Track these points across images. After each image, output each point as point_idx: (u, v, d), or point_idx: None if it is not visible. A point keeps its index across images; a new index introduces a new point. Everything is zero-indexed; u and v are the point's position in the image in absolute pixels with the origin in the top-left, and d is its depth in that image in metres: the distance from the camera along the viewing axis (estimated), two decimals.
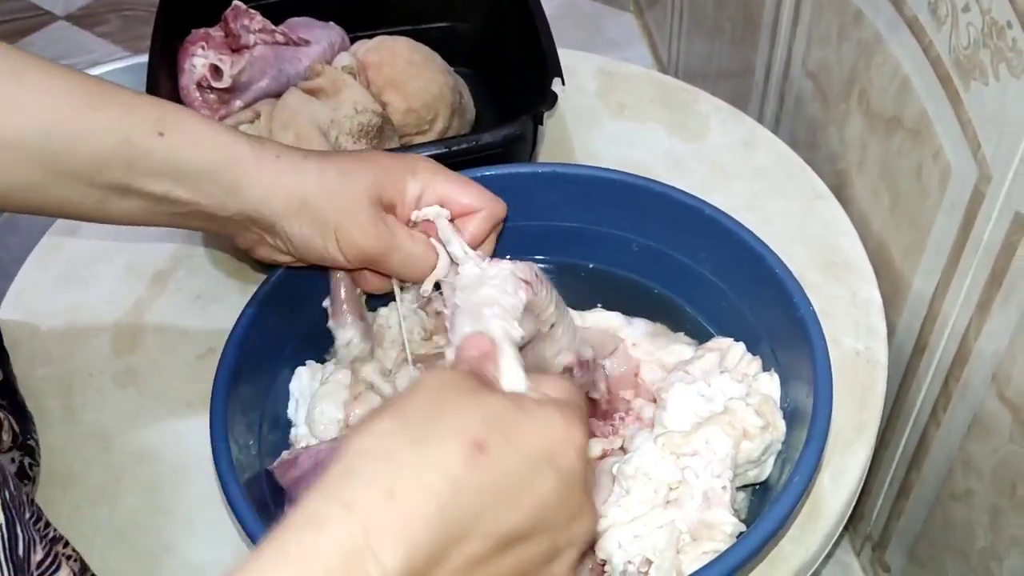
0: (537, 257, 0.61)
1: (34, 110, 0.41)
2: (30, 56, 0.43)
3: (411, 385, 0.35)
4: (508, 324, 0.42)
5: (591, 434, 0.51)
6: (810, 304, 0.50)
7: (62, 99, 0.42)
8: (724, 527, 0.44)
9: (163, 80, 0.67)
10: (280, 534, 0.30)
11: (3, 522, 0.38)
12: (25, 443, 0.53)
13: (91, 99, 0.42)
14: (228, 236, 0.50)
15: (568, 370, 0.50)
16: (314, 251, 0.48)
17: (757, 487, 0.51)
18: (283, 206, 0.46)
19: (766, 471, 0.49)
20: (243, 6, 0.70)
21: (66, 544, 0.44)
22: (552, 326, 0.48)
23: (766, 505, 0.46)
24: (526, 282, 0.45)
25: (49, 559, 0.41)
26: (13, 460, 0.51)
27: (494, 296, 0.43)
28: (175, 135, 0.43)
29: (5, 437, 0.51)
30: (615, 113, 0.77)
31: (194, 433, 0.54)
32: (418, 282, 0.51)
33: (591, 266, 0.61)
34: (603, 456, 0.51)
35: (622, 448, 0.52)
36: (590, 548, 0.39)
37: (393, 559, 0.29)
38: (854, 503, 0.55)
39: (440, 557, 0.31)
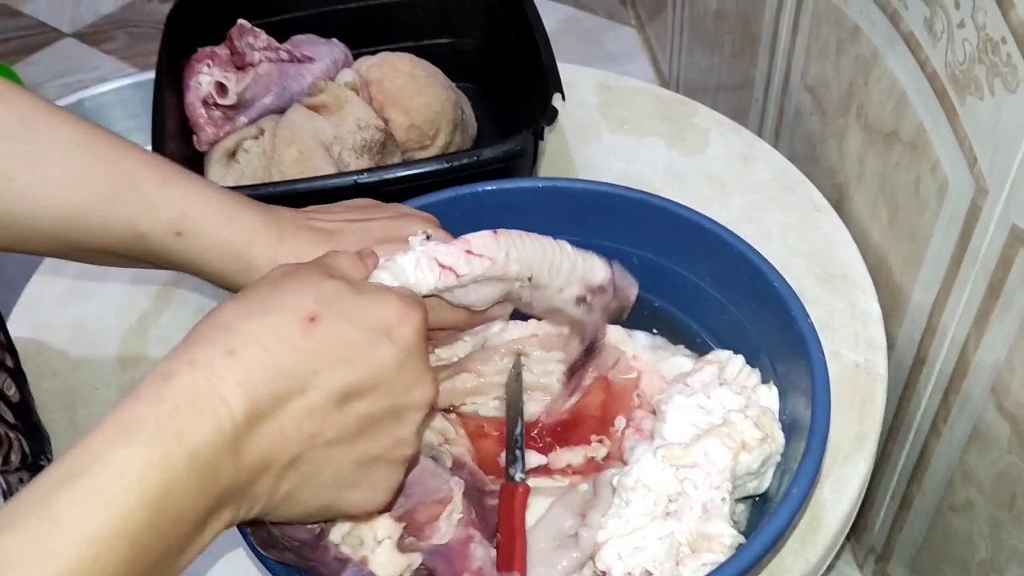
0: None
1: (53, 205, 0.43)
2: (54, 128, 0.44)
3: (262, 277, 0.40)
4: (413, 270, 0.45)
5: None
6: (808, 317, 0.50)
7: (80, 192, 0.44)
8: (723, 539, 0.45)
9: (169, 97, 0.68)
10: (136, 388, 0.34)
11: None
12: (36, 463, 0.54)
13: (111, 192, 0.44)
14: None
15: (581, 300, 0.52)
16: None
17: (756, 499, 0.51)
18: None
19: (765, 483, 0.49)
20: (248, 24, 0.71)
21: None
22: (530, 279, 0.50)
23: (765, 517, 0.47)
24: (445, 267, 0.46)
25: None
26: (22, 480, 0.52)
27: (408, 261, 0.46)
28: (192, 238, 0.46)
29: (14, 457, 0.51)
30: (615, 127, 0.77)
31: None
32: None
33: None
34: (596, 468, 0.51)
35: (622, 460, 0.52)
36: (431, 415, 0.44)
37: (237, 401, 0.34)
38: (855, 515, 0.55)
39: (280, 404, 0.35)
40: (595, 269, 0.53)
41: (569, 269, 0.51)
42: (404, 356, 0.39)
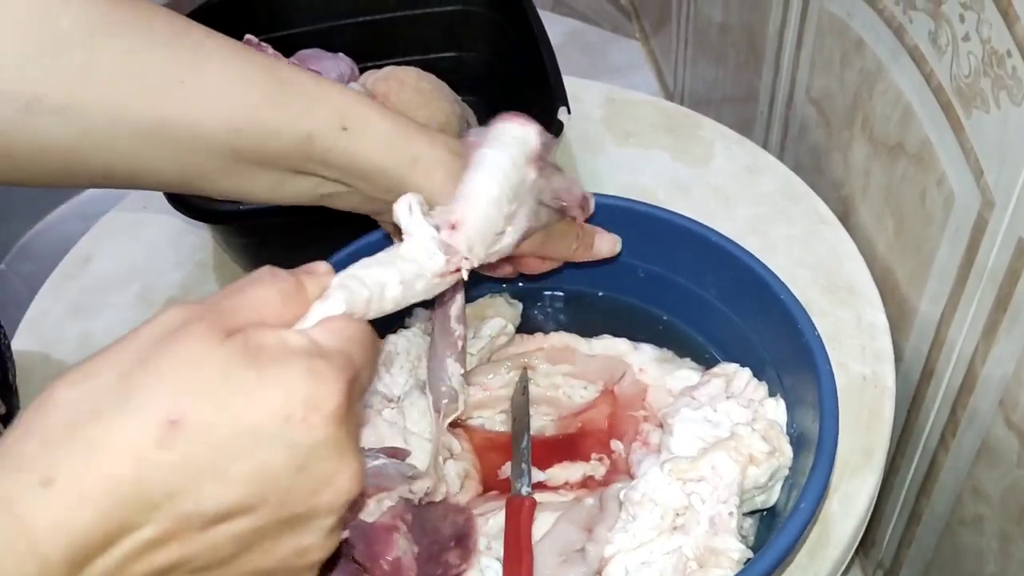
0: (544, 284, 0.61)
1: (220, 107, 0.41)
2: (211, 39, 0.42)
3: (130, 332, 0.31)
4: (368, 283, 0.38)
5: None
6: (815, 329, 0.50)
7: (245, 95, 0.41)
8: (731, 553, 0.44)
9: None
10: None
11: None
12: None
13: (273, 93, 0.42)
14: (377, 214, 0.50)
15: (561, 211, 0.51)
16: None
17: (764, 513, 0.51)
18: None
19: (773, 497, 0.49)
20: (255, 39, 0.71)
21: None
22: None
23: (773, 531, 0.46)
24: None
25: None
26: None
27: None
28: (357, 132, 0.44)
29: None
30: (620, 140, 0.78)
31: None
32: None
33: (599, 294, 0.61)
34: (595, 485, 0.51)
35: (628, 474, 0.52)
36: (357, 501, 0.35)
37: (54, 550, 0.26)
38: (864, 529, 0.55)
39: (116, 541, 0.27)
40: (560, 184, 0.50)
41: (528, 209, 0.48)
42: (306, 455, 0.29)
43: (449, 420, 0.51)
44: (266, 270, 0.33)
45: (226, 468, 0.28)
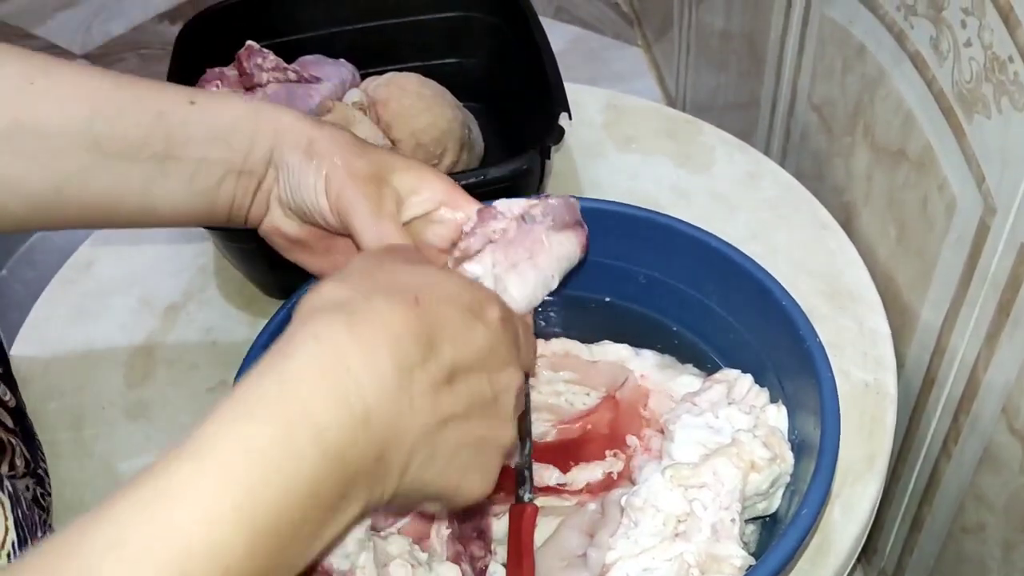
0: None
1: (72, 98, 0.42)
2: (50, 56, 0.44)
3: (346, 267, 0.39)
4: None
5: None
6: (817, 336, 0.50)
7: (95, 85, 0.43)
8: (733, 560, 0.44)
9: None
10: (257, 366, 0.32)
11: (15, 539, 0.38)
12: (36, 471, 0.54)
13: (121, 83, 0.44)
14: (249, 218, 0.50)
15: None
16: (306, 192, 0.48)
17: (766, 520, 0.50)
18: (294, 141, 0.47)
19: (775, 504, 0.49)
20: (256, 45, 0.72)
21: None
22: None
23: (775, 538, 0.46)
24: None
25: None
26: (28, 488, 0.52)
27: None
28: (205, 103, 0.46)
29: (19, 463, 0.52)
30: (621, 146, 0.78)
31: None
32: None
33: (600, 300, 0.61)
34: (611, 484, 0.51)
35: (630, 480, 0.52)
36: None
37: (364, 374, 0.33)
38: (866, 537, 0.54)
39: (402, 377, 0.34)
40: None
41: None
42: (494, 338, 0.39)
43: None
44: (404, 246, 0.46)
45: (454, 336, 0.37)
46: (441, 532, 0.48)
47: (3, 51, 0.43)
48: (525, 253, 0.47)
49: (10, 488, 0.42)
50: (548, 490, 0.52)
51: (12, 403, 0.56)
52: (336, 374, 0.32)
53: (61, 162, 0.42)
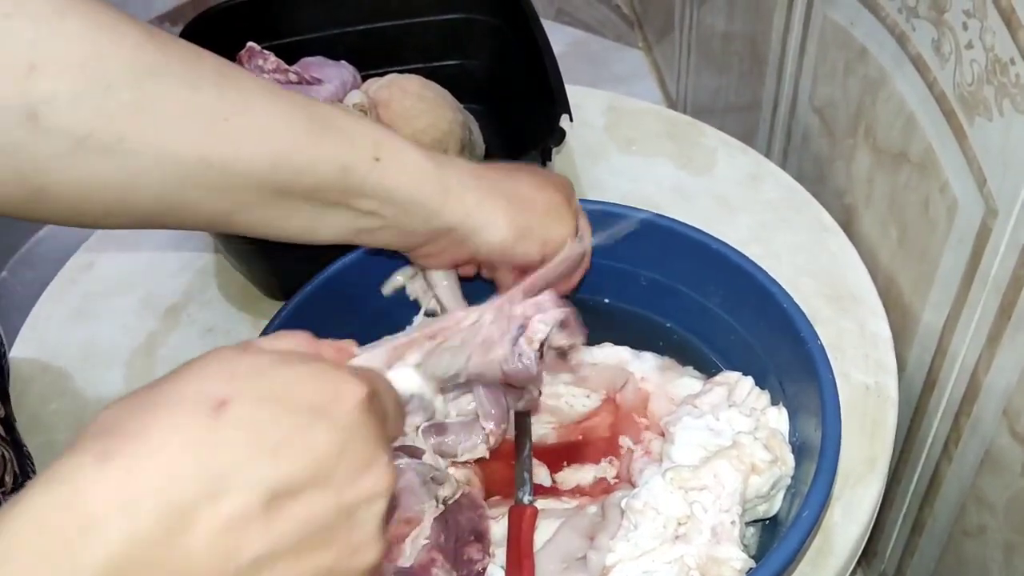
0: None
1: (261, 143, 0.42)
2: (251, 80, 0.43)
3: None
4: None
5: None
6: (818, 338, 0.50)
7: (287, 129, 0.43)
8: (733, 563, 0.44)
9: None
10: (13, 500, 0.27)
11: None
12: (24, 485, 0.54)
13: (312, 130, 0.44)
14: (411, 248, 0.50)
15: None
16: (507, 254, 0.50)
17: (767, 522, 0.50)
18: (485, 220, 0.48)
19: (775, 506, 0.49)
20: (257, 47, 0.72)
21: None
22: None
23: (775, 540, 0.46)
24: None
25: None
26: None
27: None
28: (389, 162, 0.45)
29: (8, 479, 0.51)
30: (623, 148, 0.78)
31: None
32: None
33: (601, 302, 0.61)
34: (606, 488, 0.51)
35: (630, 482, 0.52)
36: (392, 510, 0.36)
37: (114, 522, 0.26)
38: (866, 539, 0.54)
39: (179, 519, 0.27)
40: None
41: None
42: (345, 438, 0.31)
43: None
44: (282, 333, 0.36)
45: (277, 445, 0.29)
46: (417, 540, 0.47)
47: (198, 61, 0.41)
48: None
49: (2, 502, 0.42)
50: (547, 492, 0.52)
51: (1, 413, 0.55)
52: (74, 529, 0.26)
53: (239, 198, 0.43)
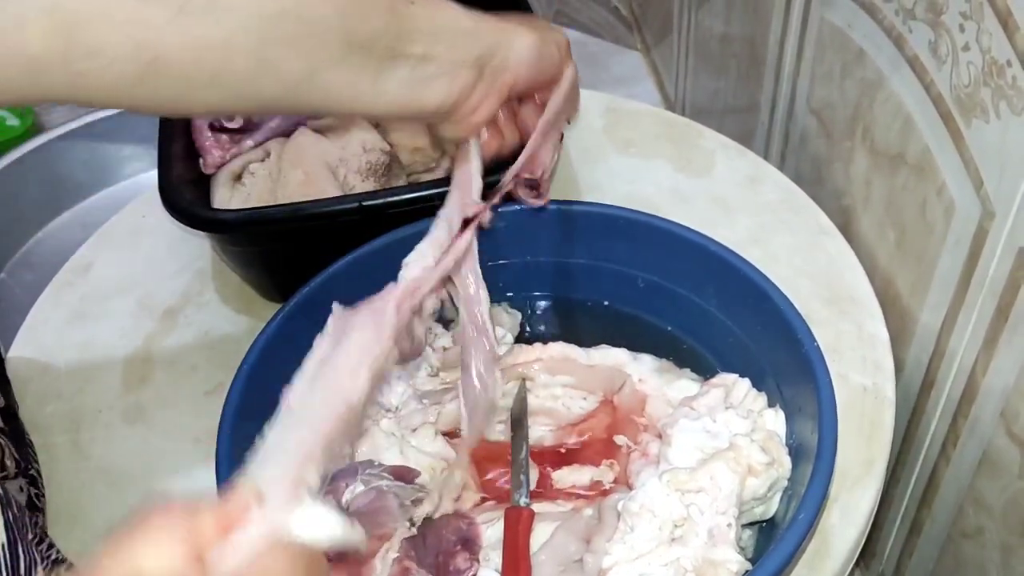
0: (543, 293, 0.61)
1: None
2: None
3: None
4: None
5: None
6: (815, 340, 0.50)
7: None
8: (730, 565, 0.44)
9: (176, 120, 0.68)
10: None
11: (5, 542, 0.38)
12: (28, 472, 0.54)
13: None
14: (464, 98, 0.50)
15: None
16: (537, 65, 0.51)
17: (763, 524, 0.50)
18: (513, 33, 0.50)
19: (772, 508, 0.49)
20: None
21: (70, 566, 0.44)
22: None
23: (772, 542, 0.46)
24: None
25: None
26: (21, 489, 0.52)
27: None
28: (423, 3, 0.47)
29: (9, 463, 0.52)
30: (621, 149, 0.78)
31: (202, 468, 0.54)
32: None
33: (600, 303, 0.61)
34: (602, 492, 0.51)
35: (627, 484, 0.51)
36: None
37: None
38: (864, 541, 0.54)
39: None
40: None
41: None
42: None
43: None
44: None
45: None
46: (387, 556, 0.47)
47: None
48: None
49: (1, 491, 0.42)
50: (543, 494, 0.52)
51: (0, 403, 0.55)
52: None
53: (316, 52, 0.44)
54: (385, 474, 0.48)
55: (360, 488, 0.48)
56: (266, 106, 0.48)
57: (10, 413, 0.56)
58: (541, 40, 0.51)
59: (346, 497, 0.48)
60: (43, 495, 0.55)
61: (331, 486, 0.48)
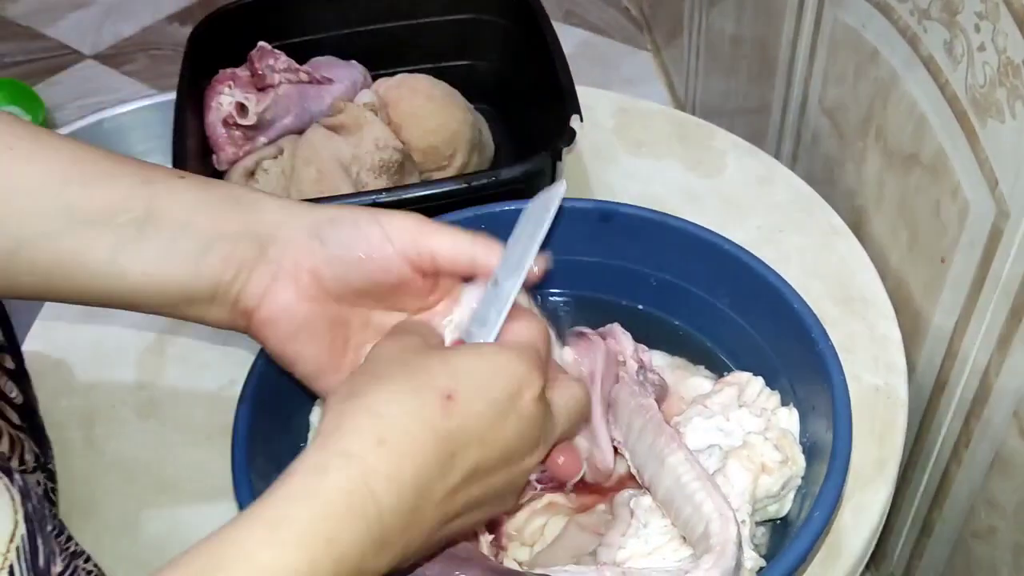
0: (556, 291, 0.61)
1: (48, 162, 0.41)
2: (40, 129, 0.43)
3: (371, 354, 0.40)
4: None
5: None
6: (828, 339, 0.50)
7: (79, 154, 0.42)
8: (744, 562, 0.44)
9: (189, 117, 0.68)
10: (287, 479, 0.34)
11: (24, 533, 0.38)
12: (46, 467, 0.54)
13: (109, 154, 0.42)
14: (241, 296, 0.44)
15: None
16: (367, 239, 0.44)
17: (777, 522, 0.50)
18: (309, 222, 0.43)
19: (786, 506, 0.49)
20: (268, 47, 0.72)
21: (87, 559, 0.45)
22: None
23: (786, 541, 0.46)
24: None
25: (69, 571, 0.42)
26: (39, 483, 0.52)
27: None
28: (196, 178, 0.43)
29: (28, 458, 0.52)
30: (632, 149, 0.78)
31: (215, 464, 0.54)
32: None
33: (613, 301, 0.61)
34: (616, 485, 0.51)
35: (640, 479, 0.51)
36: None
37: (388, 497, 0.34)
38: (876, 541, 0.54)
39: (422, 493, 0.36)
40: None
41: None
42: (525, 426, 0.39)
43: None
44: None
45: (483, 434, 0.38)
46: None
47: None
48: None
49: (20, 483, 0.43)
50: (556, 488, 0.52)
51: (19, 400, 0.56)
52: (362, 499, 0.34)
53: (26, 224, 0.40)
54: None
55: None
56: None
57: (31, 409, 0.56)
58: (336, 218, 0.43)
59: None
60: (57, 489, 0.56)
61: None
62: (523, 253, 0.44)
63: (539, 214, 0.45)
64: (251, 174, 0.70)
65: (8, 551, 0.37)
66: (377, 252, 0.43)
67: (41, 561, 0.39)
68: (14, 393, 0.55)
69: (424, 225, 0.44)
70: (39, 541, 0.39)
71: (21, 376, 0.57)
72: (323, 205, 0.45)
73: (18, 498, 0.39)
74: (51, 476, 0.55)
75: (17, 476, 0.41)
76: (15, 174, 0.40)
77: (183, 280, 0.42)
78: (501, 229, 0.58)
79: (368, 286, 0.44)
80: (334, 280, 0.43)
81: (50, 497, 0.53)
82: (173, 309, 0.44)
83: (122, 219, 0.41)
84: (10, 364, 0.56)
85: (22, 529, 0.38)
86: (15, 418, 0.53)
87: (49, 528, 0.41)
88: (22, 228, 0.41)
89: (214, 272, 0.42)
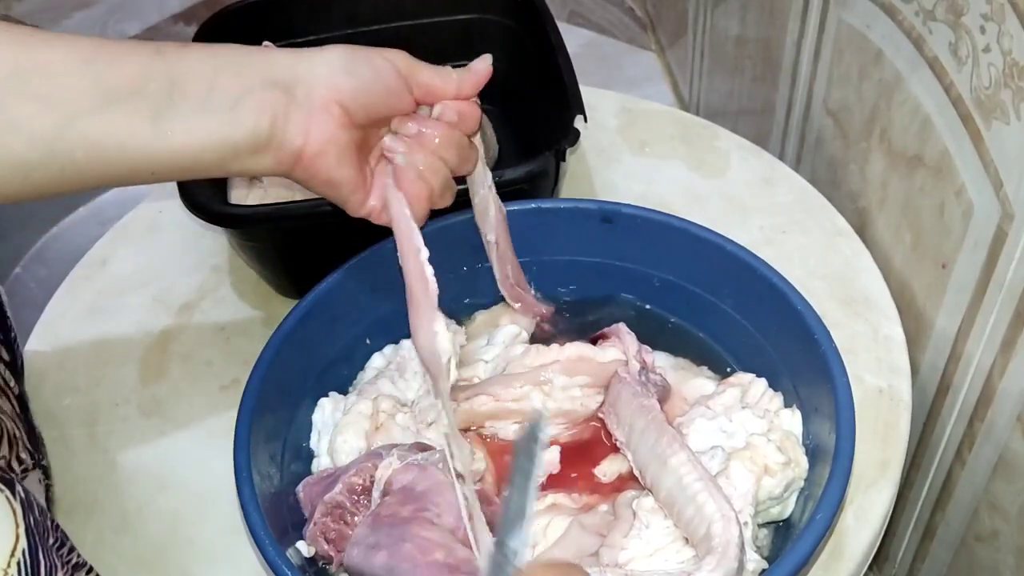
0: (559, 291, 0.61)
1: (69, 46, 0.42)
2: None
3: None
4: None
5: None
6: (832, 340, 0.50)
7: (93, 41, 0.43)
8: (746, 564, 0.44)
9: None
10: None
11: (26, 547, 0.38)
12: (41, 463, 0.54)
13: (118, 40, 0.44)
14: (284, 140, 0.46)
15: None
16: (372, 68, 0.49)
17: (780, 524, 0.50)
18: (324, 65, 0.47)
19: (788, 508, 0.49)
20: (272, 45, 0.72)
21: (90, 571, 0.44)
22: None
23: (788, 542, 0.46)
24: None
25: None
26: (39, 481, 0.52)
27: None
28: (200, 46, 0.45)
29: (24, 455, 0.52)
30: (636, 149, 0.78)
31: (217, 462, 0.54)
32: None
33: (617, 301, 0.61)
34: (616, 488, 0.51)
35: (643, 480, 0.51)
36: None
37: None
38: (878, 543, 0.54)
39: None
40: None
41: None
42: None
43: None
44: None
45: None
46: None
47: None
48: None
49: (22, 494, 0.43)
50: (559, 484, 0.52)
51: (16, 391, 0.56)
52: None
53: (69, 101, 0.41)
54: (410, 450, 0.48)
55: (396, 463, 0.48)
56: (30, 176, 0.42)
57: (24, 403, 0.56)
58: (350, 55, 0.47)
59: (382, 473, 0.48)
60: (52, 486, 0.56)
61: (363, 464, 0.49)
62: (520, 507, 0.41)
63: (526, 463, 0.43)
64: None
65: (9, 566, 0.37)
66: (392, 81, 0.48)
67: (42, 575, 0.39)
68: (12, 383, 0.55)
69: (412, 58, 0.51)
70: (40, 555, 0.39)
71: (15, 368, 0.57)
72: (327, 47, 0.48)
73: (20, 511, 0.39)
74: (46, 472, 0.55)
75: (19, 488, 0.41)
76: (40, 60, 0.41)
77: (223, 135, 0.44)
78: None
79: (383, 110, 0.49)
80: (358, 107, 0.47)
81: (47, 495, 0.53)
82: (221, 166, 0.45)
83: (151, 88, 0.43)
84: (6, 356, 0.56)
85: (23, 543, 0.38)
86: (16, 406, 0.53)
87: (51, 541, 0.41)
88: (66, 104, 0.41)
89: (250, 122, 0.44)
